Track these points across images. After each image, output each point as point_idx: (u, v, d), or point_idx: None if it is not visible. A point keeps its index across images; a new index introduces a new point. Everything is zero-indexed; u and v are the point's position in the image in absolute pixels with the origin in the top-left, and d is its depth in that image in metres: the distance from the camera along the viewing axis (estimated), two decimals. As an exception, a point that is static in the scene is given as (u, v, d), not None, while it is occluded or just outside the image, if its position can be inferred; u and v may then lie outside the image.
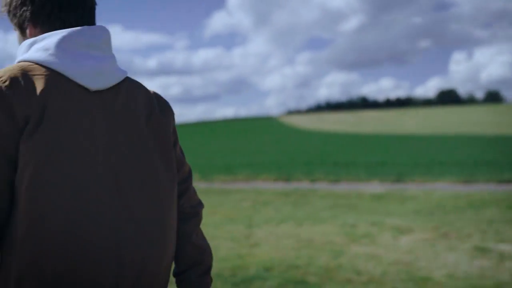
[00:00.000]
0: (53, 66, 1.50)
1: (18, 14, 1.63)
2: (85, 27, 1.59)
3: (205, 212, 9.84)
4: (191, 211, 1.82)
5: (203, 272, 1.80)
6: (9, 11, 1.65)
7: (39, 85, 1.45)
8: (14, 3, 1.63)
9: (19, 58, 1.58)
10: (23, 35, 1.66)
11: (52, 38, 1.54)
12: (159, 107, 1.70)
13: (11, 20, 1.67)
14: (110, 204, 1.48)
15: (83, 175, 1.44)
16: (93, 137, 1.49)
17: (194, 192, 1.87)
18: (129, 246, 1.50)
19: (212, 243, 7.67)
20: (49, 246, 1.38)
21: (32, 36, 1.62)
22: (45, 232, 1.38)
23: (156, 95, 1.73)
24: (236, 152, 33.37)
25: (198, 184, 18.45)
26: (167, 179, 1.64)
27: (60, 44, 1.53)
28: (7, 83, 1.42)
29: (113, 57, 1.65)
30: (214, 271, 6.27)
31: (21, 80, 1.44)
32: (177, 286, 1.79)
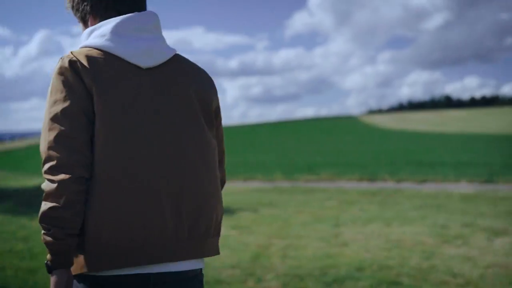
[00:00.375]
0: (108, 50, 1.84)
1: (80, 9, 1.99)
2: (136, 13, 1.91)
3: (290, 211, 9.82)
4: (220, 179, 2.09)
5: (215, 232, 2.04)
6: (72, 7, 2.01)
7: (98, 66, 1.79)
8: (77, 1, 1.98)
9: (82, 44, 1.91)
10: (86, 27, 2.00)
11: (107, 25, 1.88)
12: (206, 81, 2.03)
13: (75, 14, 2.02)
14: (168, 158, 1.83)
15: (142, 139, 1.79)
16: (144, 109, 1.82)
17: (223, 160, 2.20)
18: (187, 197, 1.85)
19: (300, 242, 7.64)
20: (119, 190, 1.75)
21: (91, 24, 1.97)
22: (118, 177, 1.75)
23: (203, 72, 2.06)
24: (318, 152, 33.13)
25: (282, 183, 18.43)
26: (214, 149, 1.99)
27: (113, 30, 1.86)
28: (73, 58, 1.79)
29: (162, 38, 1.96)
30: (304, 270, 6.25)
31: (84, 61, 1.79)
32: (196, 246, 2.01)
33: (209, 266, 6.53)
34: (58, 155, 1.72)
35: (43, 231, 1.72)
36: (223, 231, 9.31)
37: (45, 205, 1.71)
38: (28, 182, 21.44)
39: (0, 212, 12.03)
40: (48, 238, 1.70)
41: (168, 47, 1.96)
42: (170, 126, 1.86)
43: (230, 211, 12.08)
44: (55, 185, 1.70)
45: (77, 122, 1.75)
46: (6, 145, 69.46)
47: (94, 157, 1.76)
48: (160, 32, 1.97)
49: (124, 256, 1.75)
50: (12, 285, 5.55)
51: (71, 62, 1.79)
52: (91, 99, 1.77)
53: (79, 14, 2.01)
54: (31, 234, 8.98)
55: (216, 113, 2.06)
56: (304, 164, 24.87)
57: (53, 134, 1.75)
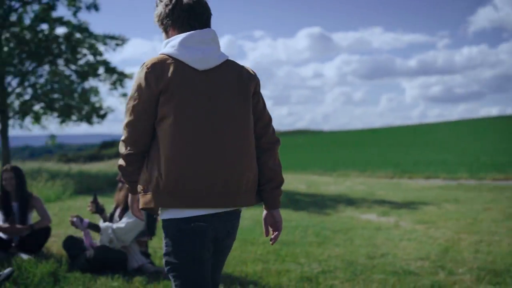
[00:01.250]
0: (176, 57, 2.67)
1: (164, 23, 2.81)
2: (198, 30, 2.74)
3: (478, 207, 9.25)
4: (268, 146, 2.85)
5: (275, 186, 2.83)
6: (159, 21, 2.83)
7: (168, 68, 2.63)
8: (161, 17, 2.80)
9: (160, 51, 2.74)
10: (167, 36, 2.82)
11: (177, 39, 2.70)
12: (246, 74, 2.81)
13: (159, 27, 2.85)
14: (218, 132, 2.63)
15: (196, 121, 2.60)
16: (199, 100, 2.63)
17: (273, 132, 2.90)
18: (231, 162, 2.63)
19: (493, 238, 7.17)
20: (184, 153, 2.57)
21: (170, 35, 2.79)
22: (177, 151, 2.57)
23: (246, 69, 2.85)
24: (505, 151, 31.18)
25: (466, 182, 17.68)
26: (249, 123, 2.75)
27: (181, 42, 2.68)
28: (149, 67, 2.63)
29: (216, 47, 2.77)
30: (499, 266, 5.88)
31: (158, 65, 2.63)
32: (258, 195, 2.83)
33: (397, 256, 6.42)
34: (127, 135, 2.67)
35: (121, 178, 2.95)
36: (409, 225, 9.09)
37: (119, 162, 2.74)
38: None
39: None
40: (125, 179, 2.76)
41: (221, 54, 2.77)
42: (219, 109, 2.66)
43: (414, 206, 11.79)
44: (123, 152, 2.69)
45: (144, 115, 2.64)
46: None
47: (167, 130, 2.59)
48: (217, 43, 2.78)
49: (181, 200, 2.58)
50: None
51: (147, 70, 2.63)
52: (158, 96, 2.62)
53: (163, 27, 2.84)
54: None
55: (255, 94, 2.84)
56: (490, 162, 23.57)
57: (126, 121, 2.68)
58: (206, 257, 2.66)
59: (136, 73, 2.71)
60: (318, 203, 13.20)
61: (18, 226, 6.38)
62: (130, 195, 2.82)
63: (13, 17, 20.33)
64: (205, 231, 2.62)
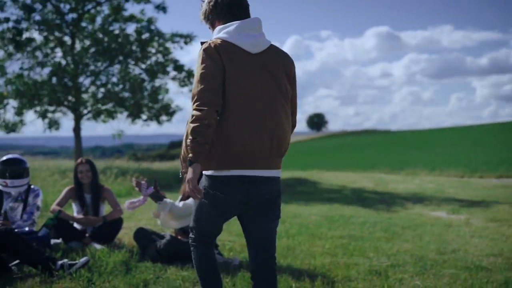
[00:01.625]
0: (231, 41, 3.14)
1: (210, 18, 3.33)
2: (247, 19, 3.24)
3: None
4: (293, 124, 3.44)
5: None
6: (205, 18, 3.36)
7: (225, 50, 3.09)
8: (207, 13, 3.32)
9: (214, 36, 3.22)
10: (213, 28, 3.33)
11: (231, 26, 3.17)
12: (288, 59, 3.33)
13: (206, 23, 3.37)
14: (264, 110, 3.15)
15: (250, 94, 3.12)
16: (252, 77, 3.14)
17: (295, 116, 3.47)
18: (274, 131, 3.18)
19: None
20: (239, 123, 3.10)
21: (216, 27, 3.29)
22: (236, 115, 3.10)
23: (286, 53, 3.36)
24: None
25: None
26: (289, 98, 3.30)
27: (235, 29, 3.15)
28: (215, 44, 3.08)
29: (262, 34, 3.25)
30: None
31: (219, 46, 3.10)
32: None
33: (468, 252, 6.28)
34: (202, 97, 3.01)
35: (189, 140, 3.00)
36: (480, 222, 8.87)
37: (193, 124, 2.98)
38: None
39: None
40: (193, 144, 2.99)
41: (266, 40, 3.27)
42: (266, 85, 3.18)
43: (485, 205, 11.49)
44: (200, 114, 2.98)
45: (213, 80, 3.04)
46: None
47: (225, 100, 3.07)
48: (261, 30, 3.26)
49: (237, 162, 3.12)
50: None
51: (213, 44, 3.10)
52: (224, 68, 3.07)
53: (209, 22, 3.36)
54: (287, 217, 9.43)
55: (294, 77, 3.36)
56: None
57: (200, 86, 3.03)
58: (226, 216, 3.31)
59: (201, 49, 3.15)
60: (386, 200, 13.04)
61: (92, 217, 6.58)
62: (193, 167, 3.03)
63: (86, 18, 21.01)
64: (234, 195, 3.18)
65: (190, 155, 3.01)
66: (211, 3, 3.27)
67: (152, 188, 5.59)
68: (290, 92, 3.30)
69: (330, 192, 15.80)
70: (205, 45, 3.11)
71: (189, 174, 3.03)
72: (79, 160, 6.92)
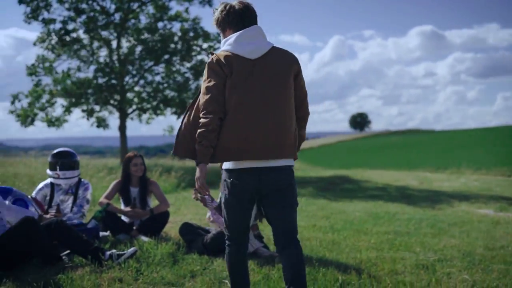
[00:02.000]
0: (233, 51, 3.54)
1: (221, 26, 3.69)
2: (245, 29, 3.58)
3: None
4: (301, 116, 3.76)
5: (299, 146, 3.83)
6: (217, 24, 3.71)
7: (228, 60, 3.50)
8: (219, 21, 3.67)
9: (221, 49, 3.64)
10: (224, 34, 3.70)
11: (231, 38, 3.58)
12: (289, 57, 3.64)
13: (217, 28, 3.74)
14: (265, 104, 3.50)
15: (251, 96, 3.48)
16: (253, 80, 3.50)
17: (307, 105, 3.79)
18: (276, 125, 3.50)
19: None
20: (239, 121, 3.47)
21: (228, 34, 3.66)
22: (238, 119, 3.47)
23: (289, 53, 3.67)
24: None
25: None
26: (290, 96, 3.59)
27: (235, 40, 3.56)
28: (217, 59, 3.51)
29: (263, 39, 3.61)
30: None
31: (221, 58, 3.51)
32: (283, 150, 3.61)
33: (518, 248, 6.17)
34: (207, 107, 3.46)
35: (196, 144, 3.47)
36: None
37: (200, 130, 3.44)
38: (324, 173, 22.72)
39: (304, 195, 13.46)
40: (200, 147, 3.45)
41: (266, 44, 3.60)
42: (267, 87, 3.51)
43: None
44: (206, 121, 3.43)
45: (216, 91, 3.47)
46: (300, 144, 73.69)
47: (227, 106, 3.47)
48: (262, 36, 3.63)
49: (241, 155, 3.47)
50: (317, 252, 5.86)
51: (215, 58, 3.53)
52: (226, 78, 3.48)
53: (220, 28, 3.72)
54: (332, 214, 9.41)
55: (296, 74, 3.64)
56: None
57: (205, 97, 3.48)
58: (247, 206, 3.65)
59: (207, 63, 3.58)
60: (431, 198, 12.87)
61: (139, 210, 6.69)
62: (200, 167, 3.49)
63: (131, 18, 21.33)
64: (248, 184, 3.54)
65: (198, 157, 3.49)
66: (224, 13, 3.65)
67: (216, 201, 5.72)
68: (291, 87, 3.61)
69: (374, 190, 15.68)
70: (209, 60, 3.59)
71: (197, 173, 3.50)
72: (131, 154, 7.00)
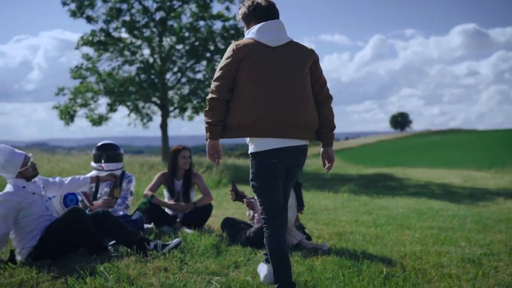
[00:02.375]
0: (254, 38, 3.88)
1: (247, 19, 4.04)
2: (268, 21, 3.93)
3: None
4: (324, 100, 4.01)
5: (329, 130, 4.04)
6: (243, 18, 4.07)
7: (250, 46, 3.84)
8: (245, 15, 4.04)
9: (246, 37, 3.98)
10: (248, 27, 4.04)
11: (255, 28, 3.92)
12: (305, 50, 3.97)
13: (243, 22, 4.10)
14: (283, 94, 3.82)
15: (269, 79, 3.81)
16: (271, 65, 3.83)
17: (327, 91, 4.05)
18: (291, 110, 3.81)
19: None
20: (253, 104, 3.78)
21: (251, 27, 4.00)
22: (254, 97, 3.80)
23: (306, 47, 4.00)
24: None
25: None
26: (305, 82, 3.91)
27: (258, 29, 3.90)
28: (236, 48, 3.83)
29: (281, 32, 3.95)
30: None
31: (244, 44, 3.85)
32: (317, 135, 4.03)
33: None
34: (216, 86, 3.85)
35: (206, 122, 3.87)
36: None
37: (207, 107, 3.87)
38: (365, 170, 22.57)
39: (345, 191, 13.51)
40: (207, 125, 3.85)
41: (286, 37, 3.96)
42: (284, 72, 3.85)
43: None
44: (211, 98, 3.83)
45: (228, 74, 3.83)
46: (340, 144, 73.78)
47: (247, 86, 3.79)
48: (282, 29, 3.97)
49: (260, 131, 3.80)
50: (360, 246, 5.82)
51: (235, 45, 3.86)
52: (239, 64, 3.81)
53: (246, 22, 4.08)
54: (374, 209, 9.33)
55: (314, 63, 3.98)
56: None
57: (216, 76, 3.86)
58: (278, 184, 3.92)
59: (228, 49, 3.93)
60: (476, 195, 12.67)
61: (183, 203, 6.74)
62: (209, 142, 3.88)
63: (172, 17, 21.55)
64: (277, 164, 3.83)
65: (207, 134, 3.89)
66: (251, 8, 4.02)
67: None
68: (307, 75, 3.96)
69: (416, 187, 15.51)
70: (230, 46, 3.93)
71: (208, 147, 3.91)
72: (179, 146, 7.01)
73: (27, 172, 5.08)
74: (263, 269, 4.41)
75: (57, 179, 5.50)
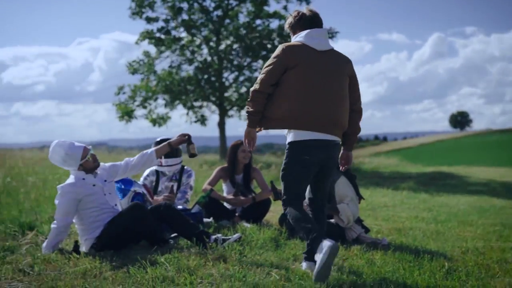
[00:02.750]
0: (301, 41, 4.31)
1: (293, 28, 4.47)
2: (315, 28, 4.36)
3: None
4: (358, 109, 4.51)
5: (355, 134, 4.54)
6: (289, 27, 4.51)
7: (298, 47, 4.27)
8: (291, 24, 4.47)
9: (292, 40, 4.42)
10: (294, 34, 4.45)
11: (303, 33, 4.34)
12: (344, 60, 4.42)
13: (290, 30, 4.53)
14: (324, 94, 4.23)
15: (315, 79, 4.23)
16: (317, 66, 4.24)
17: (360, 103, 4.52)
18: (330, 110, 4.24)
19: None
20: (298, 100, 4.20)
21: (296, 34, 4.43)
22: (298, 94, 4.21)
23: (344, 55, 4.45)
24: None
25: None
26: (345, 88, 4.35)
27: (306, 34, 4.32)
28: (285, 48, 4.26)
29: (326, 40, 4.36)
30: None
31: (293, 45, 4.29)
32: (342, 142, 4.56)
33: None
34: (261, 79, 4.23)
35: (247, 111, 4.31)
36: None
37: (249, 98, 4.30)
38: (424, 169, 22.23)
39: (404, 188, 13.42)
40: (248, 115, 4.27)
41: (329, 44, 4.36)
42: (327, 75, 4.25)
43: None
44: (255, 90, 4.25)
45: (273, 73, 4.21)
46: (398, 143, 72.93)
47: (294, 83, 4.19)
48: (326, 37, 4.40)
49: (302, 125, 4.21)
50: (421, 241, 5.73)
51: (285, 46, 4.26)
52: (286, 63, 4.20)
53: (292, 31, 4.49)
54: (434, 206, 9.18)
55: (350, 75, 4.41)
56: None
57: (263, 74, 4.23)
58: (306, 176, 4.33)
59: (278, 47, 4.35)
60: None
61: (242, 198, 6.79)
62: (247, 129, 4.35)
63: (230, 16, 21.74)
64: (310, 157, 4.22)
65: (247, 123, 4.35)
66: (297, 18, 4.44)
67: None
68: (346, 81, 4.39)
69: (477, 185, 15.18)
70: (279, 47, 4.33)
71: (245, 133, 4.39)
72: (239, 141, 7.02)
73: (88, 164, 5.22)
74: (304, 265, 4.49)
75: (124, 160, 5.55)
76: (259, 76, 4.29)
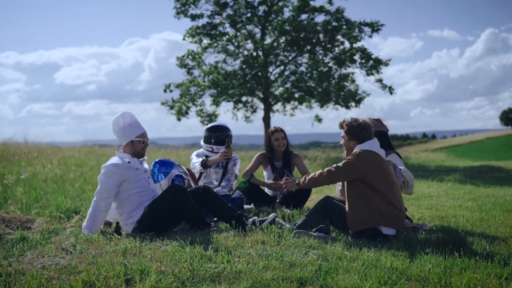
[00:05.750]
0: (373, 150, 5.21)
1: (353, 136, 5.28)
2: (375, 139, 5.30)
3: None
4: None
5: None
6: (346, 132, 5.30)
7: (372, 158, 5.13)
8: (353, 132, 5.24)
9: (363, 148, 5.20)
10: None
11: (372, 144, 5.22)
12: None
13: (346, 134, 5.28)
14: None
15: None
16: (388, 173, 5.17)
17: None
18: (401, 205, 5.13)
19: None
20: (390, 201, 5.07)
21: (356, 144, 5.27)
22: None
23: None
24: None
25: None
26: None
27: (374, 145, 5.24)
28: (363, 152, 5.14)
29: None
30: None
31: (367, 153, 5.15)
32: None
33: None
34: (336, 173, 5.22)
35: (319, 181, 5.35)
36: None
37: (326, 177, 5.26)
38: (472, 163, 21.85)
39: (450, 180, 13.20)
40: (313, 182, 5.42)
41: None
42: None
43: None
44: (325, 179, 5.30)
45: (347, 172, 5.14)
46: (447, 141, 71.89)
47: (383, 187, 5.03)
48: None
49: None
50: (463, 227, 5.63)
51: (364, 152, 5.07)
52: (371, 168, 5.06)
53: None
54: (479, 197, 9.01)
55: None
56: None
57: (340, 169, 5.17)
58: None
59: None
60: None
61: (281, 183, 6.79)
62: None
63: (275, 10, 21.79)
64: None
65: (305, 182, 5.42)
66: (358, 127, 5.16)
67: None
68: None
69: (527, 178, 14.83)
70: (359, 153, 5.04)
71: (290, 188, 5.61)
72: (273, 128, 7.04)
73: (137, 145, 5.31)
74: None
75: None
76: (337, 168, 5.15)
